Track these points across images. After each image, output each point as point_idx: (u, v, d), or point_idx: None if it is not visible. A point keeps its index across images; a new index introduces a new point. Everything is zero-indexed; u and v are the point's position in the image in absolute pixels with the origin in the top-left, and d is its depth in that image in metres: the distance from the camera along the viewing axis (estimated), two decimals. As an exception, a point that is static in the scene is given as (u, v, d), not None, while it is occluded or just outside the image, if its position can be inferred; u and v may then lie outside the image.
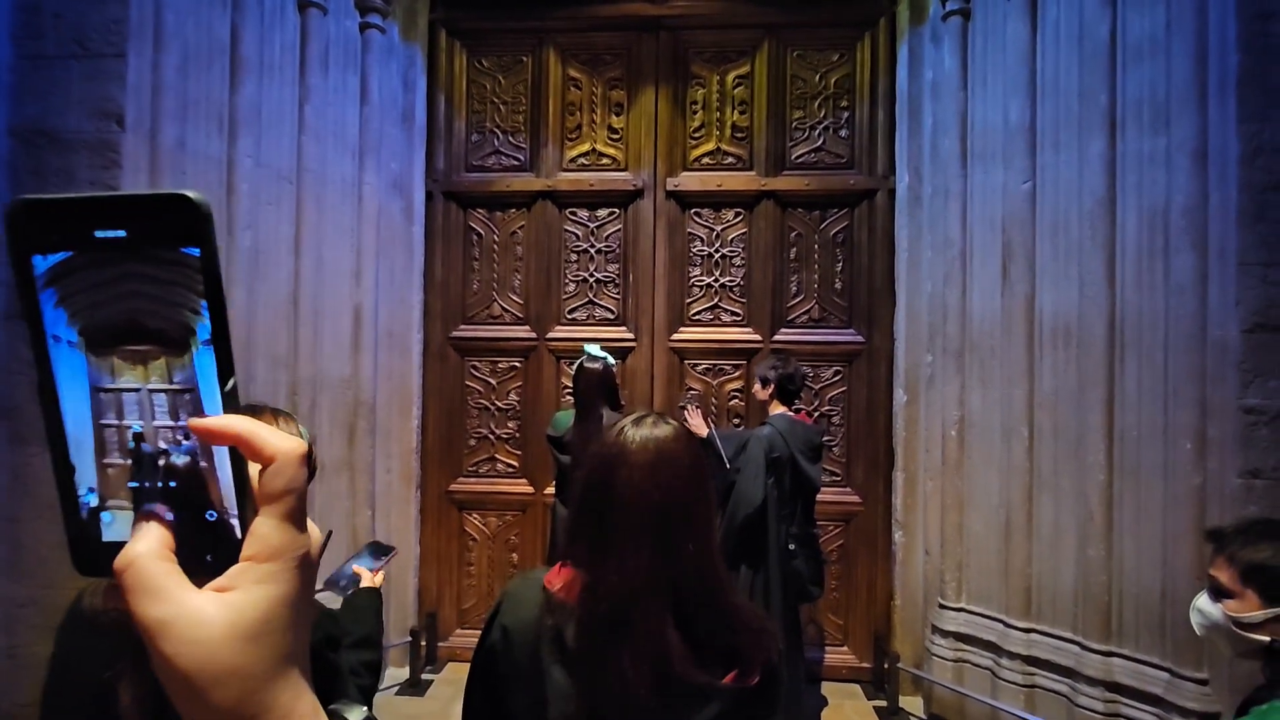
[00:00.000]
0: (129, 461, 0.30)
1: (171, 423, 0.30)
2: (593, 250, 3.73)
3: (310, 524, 0.32)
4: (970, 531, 3.08)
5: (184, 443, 0.30)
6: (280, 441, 0.30)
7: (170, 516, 0.29)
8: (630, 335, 3.68)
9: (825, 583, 2.96)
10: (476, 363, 3.77)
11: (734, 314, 3.68)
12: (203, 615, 0.28)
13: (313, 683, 0.31)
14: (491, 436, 3.75)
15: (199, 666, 0.27)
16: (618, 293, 3.72)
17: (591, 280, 3.73)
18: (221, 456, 0.30)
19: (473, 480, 3.76)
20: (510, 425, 3.75)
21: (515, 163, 3.76)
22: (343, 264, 3.31)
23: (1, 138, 2.61)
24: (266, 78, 2.99)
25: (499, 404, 3.75)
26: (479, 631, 1.11)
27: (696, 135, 3.70)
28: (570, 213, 3.74)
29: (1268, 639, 1.17)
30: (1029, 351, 2.89)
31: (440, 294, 3.75)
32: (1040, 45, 2.85)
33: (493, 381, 3.76)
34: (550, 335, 3.71)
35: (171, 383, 0.30)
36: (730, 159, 3.69)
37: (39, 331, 0.29)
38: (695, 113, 3.70)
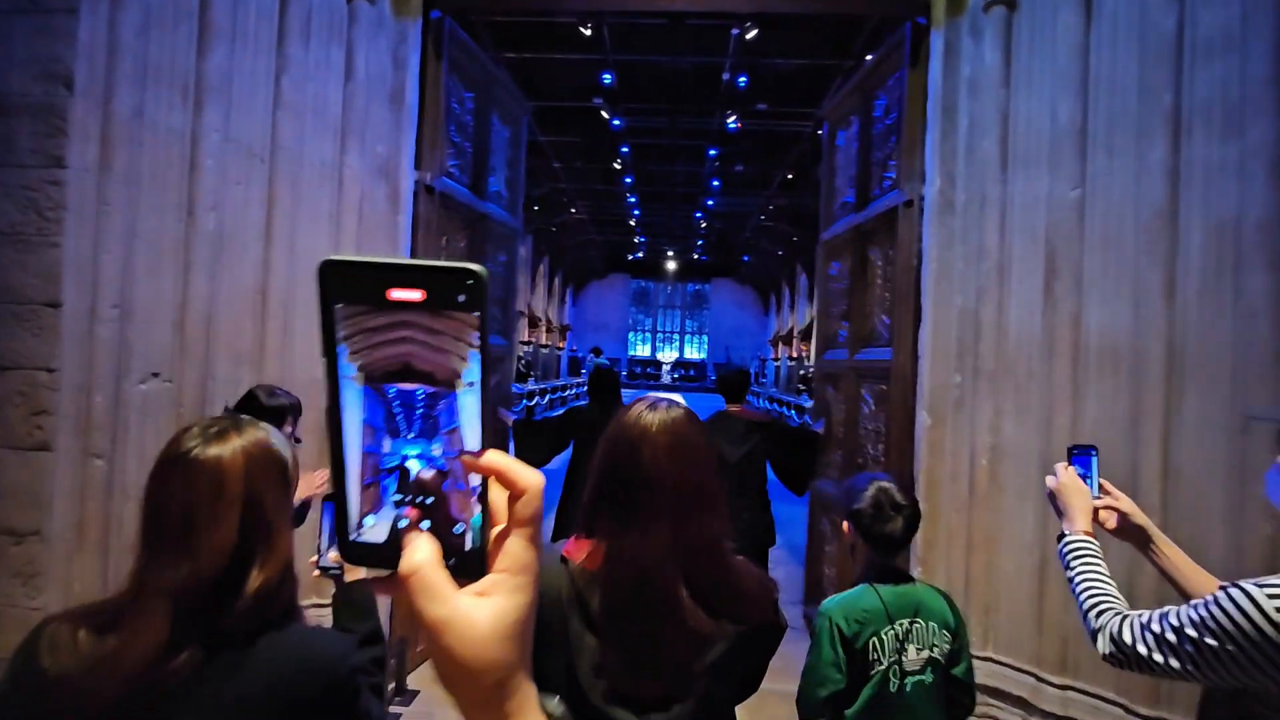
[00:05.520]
0: (384, 480, 0.36)
1: (434, 453, 0.35)
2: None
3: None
4: (1000, 573, 2.79)
5: (438, 466, 0.36)
6: (530, 476, 0.36)
7: (425, 526, 0.36)
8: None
9: (747, 548, 3.06)
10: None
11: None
12: (474, 617, 0.35)
13: None
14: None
15: (471, 657, 0.34)
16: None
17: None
18: (473, 483, 0.36)
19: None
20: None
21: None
22: (318, 253, 2.96)
23: (-67, 97, 2.32)
24: (239, 45, 2.70)
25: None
26: None
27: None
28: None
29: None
30: (1073, 376, 2.61)
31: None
32: (1095, 39, 2.59)
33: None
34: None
35: (437, 420, 0.35)
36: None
37: (334, 373, 0.35)
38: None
